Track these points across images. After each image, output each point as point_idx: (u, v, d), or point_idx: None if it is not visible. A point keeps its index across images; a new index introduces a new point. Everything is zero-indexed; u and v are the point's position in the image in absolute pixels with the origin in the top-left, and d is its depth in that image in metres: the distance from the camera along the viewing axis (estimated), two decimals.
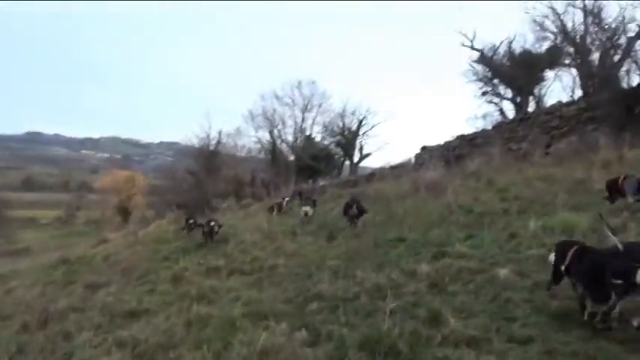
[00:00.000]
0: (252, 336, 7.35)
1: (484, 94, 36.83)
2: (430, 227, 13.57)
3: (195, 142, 55.25)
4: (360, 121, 53.36)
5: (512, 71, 33.82)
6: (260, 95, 56.87)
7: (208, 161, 52.75)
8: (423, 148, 28.48)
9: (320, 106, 54.93)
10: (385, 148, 65.70)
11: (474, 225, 12.85)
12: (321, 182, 49.78)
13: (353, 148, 53.30)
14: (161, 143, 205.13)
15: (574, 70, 30.58)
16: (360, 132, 53.92)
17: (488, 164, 19.61)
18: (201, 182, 49.41)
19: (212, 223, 19.03)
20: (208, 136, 54.67)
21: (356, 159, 54.03)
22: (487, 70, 36.42)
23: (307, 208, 20.50)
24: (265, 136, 55.59)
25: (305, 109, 55.15)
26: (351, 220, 16.50)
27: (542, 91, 34.41)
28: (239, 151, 57.51)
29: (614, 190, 11.49)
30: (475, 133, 26.21)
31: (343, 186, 32.42)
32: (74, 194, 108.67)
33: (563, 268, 6.96)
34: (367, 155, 53.91)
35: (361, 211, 16.20)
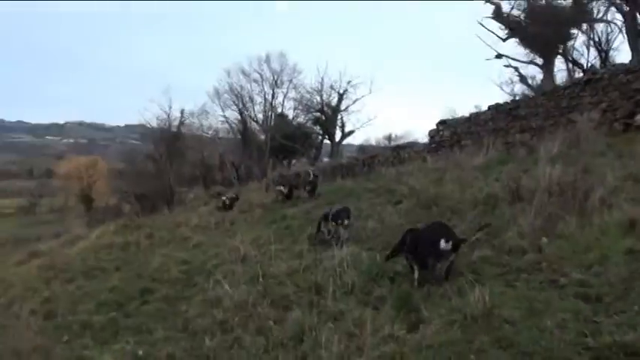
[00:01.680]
0: None
1: (499, 57, 30.55)
2: None
3: (154, 123, 48.81)
4: (341, 95, 46.75)
5: (534, 29, 27.47)
6: (226, 71, 49.13)
7: (171, 145, 46.16)
8: (442, 123, 22.41)
9: (291, 81, 48.45)
10: (371, 124, 58.08)
11: None
12: (298, 166, 43.88)
13: (334, 125, 46.70)
14: (127, 126, 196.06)
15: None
16: (341, 107, 47.40)
17: (576, 143, 13.26)
18: (162, 169, 42.36)
19: None
20: (169, 116, 47.99)
21: (337, 137, 47.50)
22: (504, 28, 30.02)
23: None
24: (233, 115, 49.93)
25: (275, 85, 48.58)
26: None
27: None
28: (205, 132, 52.11)
29: None
30: (516, 101, 20.29)
31: (333, 173, 25.93)
32: (37, 182, 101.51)
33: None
34: (350, 133, 48.09)
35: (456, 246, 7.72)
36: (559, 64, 30.40)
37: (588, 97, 16.27)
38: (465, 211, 10.25)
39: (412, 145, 25.78)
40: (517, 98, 20.42)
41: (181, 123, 48.56)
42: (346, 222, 11.26)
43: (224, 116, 49.87)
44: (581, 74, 27.20)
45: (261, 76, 48.27)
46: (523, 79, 31.14)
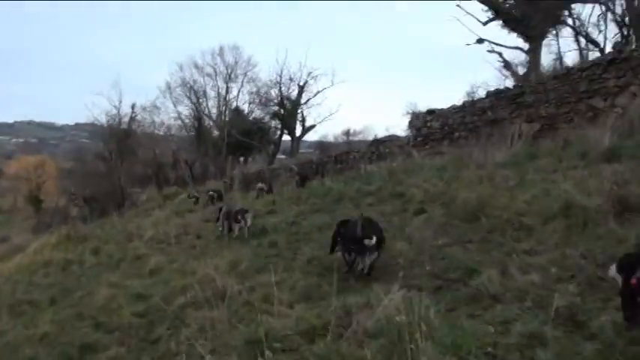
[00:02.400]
0: None
1: (480, 41, 27.87)
2: None
3: (104, 120, 45.11)
4: (302, 87, 43.53)
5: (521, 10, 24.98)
6: (178, 65, 46.16)
7: (121, 142, 42.58)
8: (430, 113, 19.61)
9: (246, 74, 46.04)
10: (332, 119, 54.94)
11: None
12: (258, 163, 40.94)
13: (294, 119, 43.61)
14: (77, 125, 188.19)
15: None
16: (302, 100, 44.19)
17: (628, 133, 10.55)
18: (113, 168, 38.81)
19: None
20: (119, 111, 44.46)
21: (298, 132, 44.54)
22: (486, 9, 27.31)
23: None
24: (186, 111, 47.15)
25: (229, 79, 46.13)
26: None
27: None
28: (157, 129, 48.83)
29: None
30: (520, 86, 17.35)
31: (303, 172, 23.06)
32: None
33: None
34: (311, 127, 45.03)
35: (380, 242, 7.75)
36: (569, 44, 27.94)
37: (613, 80, 13.69)
38: (535, 227, 7.24)
39: (392, 139, 23.02)
40: (520, 84, 17.57)
41: (132, 119, 45.29)
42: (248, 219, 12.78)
43: (177, 112, 47.01)
44: (598, 54, 24.99)
45: (215, 69, 45.86)
46: (508, 65, 28.52)
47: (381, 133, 31.99)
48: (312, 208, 13.71)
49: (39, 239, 23.11)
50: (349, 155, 23.90)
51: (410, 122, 21.15)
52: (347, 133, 57.32)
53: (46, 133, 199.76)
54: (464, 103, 18.82)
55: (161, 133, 49.21)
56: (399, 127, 74.23)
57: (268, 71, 53.06)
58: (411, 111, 50.83)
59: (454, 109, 18.78)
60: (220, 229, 14.03)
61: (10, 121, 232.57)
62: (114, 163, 39.38)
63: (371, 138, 60.62)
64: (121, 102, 44.60)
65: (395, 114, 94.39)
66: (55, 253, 17.28)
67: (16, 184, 70.56)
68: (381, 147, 21.99)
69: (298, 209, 14.19)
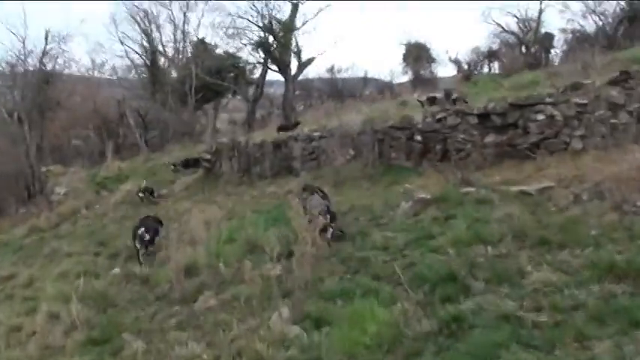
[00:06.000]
0: None
1: None
2: None
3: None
4: (296, 5, 28.33)
5: None
6: None
7: (36, 92, 27.10)
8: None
9: (206, 2, 33.93)
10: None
11: None
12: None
13: (287, 50, 28.52)
14: None
15: None
16: (297, 23, 29.08)
17: None
18: (17, 136, 23.86)
19: None
20: (24, 44, 28.50)
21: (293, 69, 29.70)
22: None
23: None
24: (135, 48, 34.35)
25: (187, 7, 34.40)
26: None
27: None
28: (100, 71, 36.80)
29: None
30: None
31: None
32: None
33: None
34: (309, 62, 29.78)
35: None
36: None
37: None
38: None
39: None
40: None
41: (46, 54, 29.41)
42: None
43: (124, 50, 34.34)
44: None
45: None
46: None
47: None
48: None
49: None
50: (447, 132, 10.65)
51: None
52: (331, 70, 43.97)
53: None
54: None
55: (106, 75, 36.22)
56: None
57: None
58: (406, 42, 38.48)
59: None
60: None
61: None
62: (20, 128, 23.83)
63: (360, 76, 47.52)
64: (26, 32, 29.52)
65: (385, 45, 75.35)
66: None
67: None
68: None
69: None
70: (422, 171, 11.91)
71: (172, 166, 19.85)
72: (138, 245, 10.60)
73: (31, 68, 28.11)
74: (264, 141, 16.56)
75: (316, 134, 14.94)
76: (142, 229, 10.68)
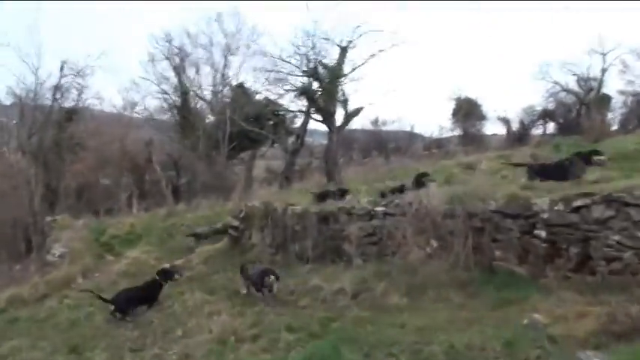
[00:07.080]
0: None
1: None
2: None
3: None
4: (344, 49, 24.54)
5: None
6: (165, 34, 31.13)
7: (59, 129, 24.14)
8: None
9: (249, 46, 30.72)
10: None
11: None
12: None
13: (332, 98, 24.56)
14: None
15: None
16: (345, 70, 25.00)
17: None
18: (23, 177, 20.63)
19: None
20: (37, 75, 25.08)
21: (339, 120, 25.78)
22: None
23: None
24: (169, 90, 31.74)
25: (228, 51, 31.72)
26: None
27: None
28: (134, 111, 33.69)
29: None
30: None
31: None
32: None
33: None
34: (356, 113, 25.77)
35: None
36: None
37: None
38: None
39: None
40: None
41: (58, 88, 25.47)
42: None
43: (161, 90, 31.42)
44: None
45: (211, 40, 31.74)
46: None
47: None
48: None
49: None
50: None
51: None
52: (376, 122, 43.24)
53: None
54: None
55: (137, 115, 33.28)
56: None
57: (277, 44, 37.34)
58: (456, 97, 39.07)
59: None
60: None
61: None
62: (27, 169, 20.33)
63: (407, 130, 44.67)
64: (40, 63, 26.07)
65: (433, 99, 72.47)
66: None
67: None
68: None
69: None
70: (546, 284, 7.84)
71: (192, 236, 16.20)
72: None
73: (43, 102, 24.73)
74: (307, 211, 12.60)
75: (379, 209, 10.99)
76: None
